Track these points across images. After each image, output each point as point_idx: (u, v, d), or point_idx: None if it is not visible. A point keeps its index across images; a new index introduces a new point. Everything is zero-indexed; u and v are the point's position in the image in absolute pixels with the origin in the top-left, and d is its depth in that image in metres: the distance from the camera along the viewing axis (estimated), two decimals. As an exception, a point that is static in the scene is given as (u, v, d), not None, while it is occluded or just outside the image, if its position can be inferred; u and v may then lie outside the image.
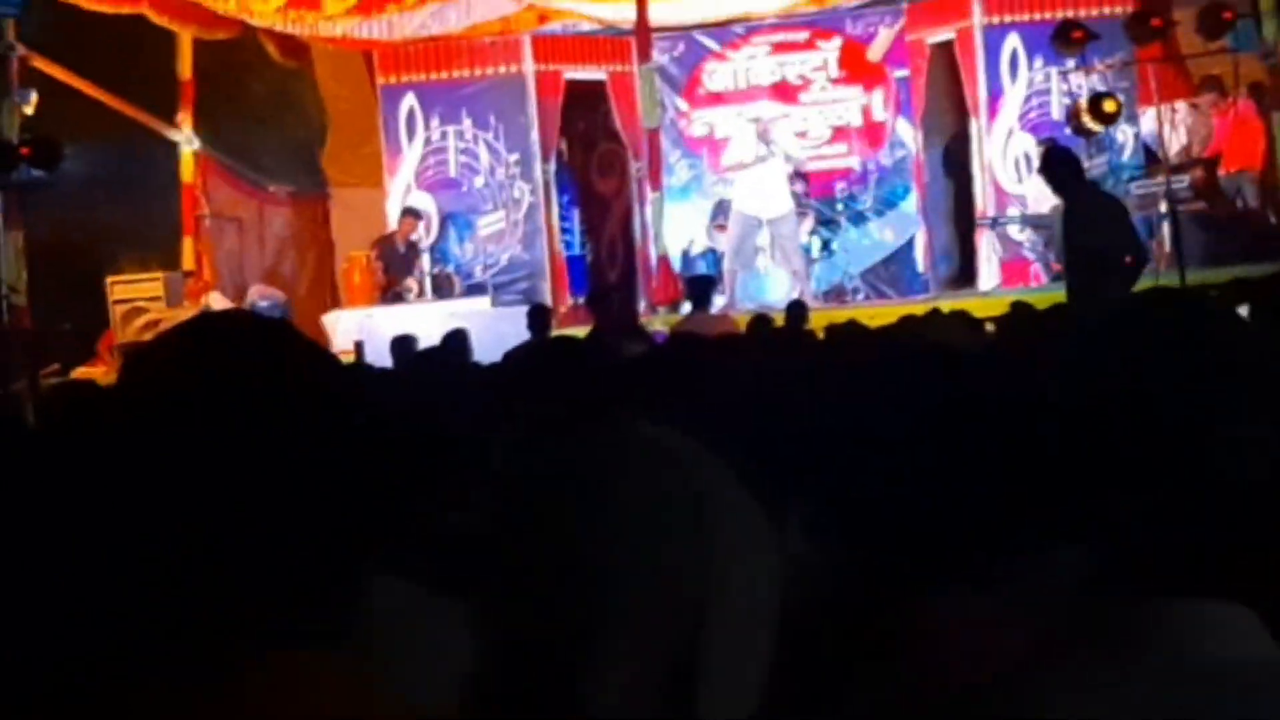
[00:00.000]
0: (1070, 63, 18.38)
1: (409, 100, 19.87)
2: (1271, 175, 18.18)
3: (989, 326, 8.29)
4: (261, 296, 19.02)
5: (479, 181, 19.79)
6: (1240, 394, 1.58)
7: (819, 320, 13.55)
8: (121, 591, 1.49)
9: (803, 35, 20.70)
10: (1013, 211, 18.62)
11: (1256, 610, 1.56)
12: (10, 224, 16.35)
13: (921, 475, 2.00)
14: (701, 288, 16.55)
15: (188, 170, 19.22)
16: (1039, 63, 18.76)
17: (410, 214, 19.20)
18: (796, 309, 14.73)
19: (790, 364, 2.31)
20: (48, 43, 16.96)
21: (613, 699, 1.52)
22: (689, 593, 1.54)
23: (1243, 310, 5.48)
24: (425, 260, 19.14)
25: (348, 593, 1.52)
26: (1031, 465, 1.79)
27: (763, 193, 18.96)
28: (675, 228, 19.77)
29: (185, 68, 19.12)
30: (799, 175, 19.55)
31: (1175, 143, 18.79)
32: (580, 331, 13.39)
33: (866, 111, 20.61)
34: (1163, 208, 16.65)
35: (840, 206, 20.23)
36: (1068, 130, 17.82)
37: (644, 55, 18.30)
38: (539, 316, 14.48)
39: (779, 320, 13.76)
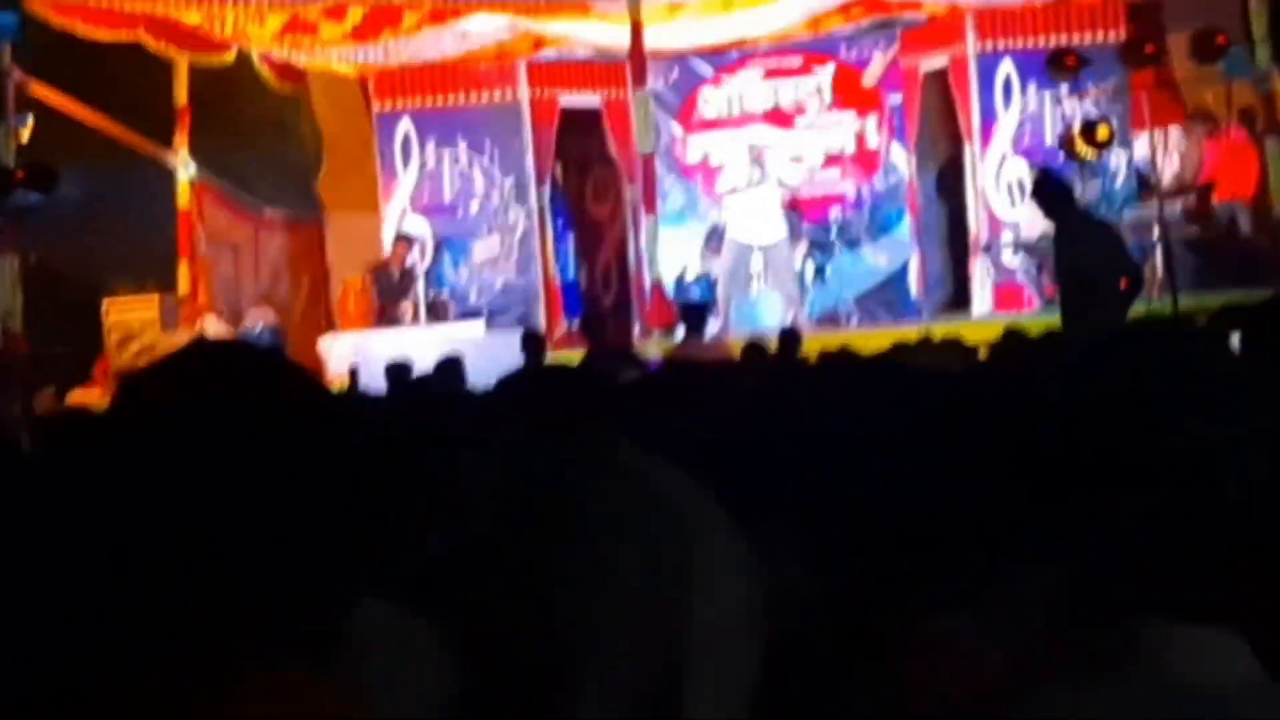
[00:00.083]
0: (1063, 88, 18.43)
1: (404, 125, 19.90)
2: (1264, 201, 18.20)
3: (981, 352, 8.28)
4: (258, 320, 19.02)
5: (474, 206, 19.81)
6: (1225, 422, 1.59)
7: (812, 346, 13.53)
8: (109, 613, 1.50)
9: (797, 61, 20.71)
10: (1006, 237, 18.64)
11: (1243, 633, 1.56)
12: (6, 248, 16.36)
13: (911, 501, 2.01)
14: (695, 313, 16.55)
15: (183, 195, 19.22)
16: (1032, 88, 18.80)
17: (403, 240, 19.22)
18: (789, 335, 14.73)
19: (782, 389, 2.32)
20: (44, 68, 16.98)
21: (593, 720, 1.53)
22: (668, 619, 1.55)
23: (1235, 337, 5.48)
24: (420, 285, 19.15)
25: (332, 615, 1.54)
26: (1019, 489, 1.80)
27: (757, 218, 18.99)
28: (669, 253, 19.78)
29: (181, 93, 19.13)
30: (793, 201, 19.57)
31: (1168, 168, 18.81)
32: (574, 357, 13.38)
33: (860, 137, 20.62)
34: (1155, 233, 16.67)
35: (834, 232, 20.23)
36: (1061, 156, 17.86)
37: (639, 81, 18.30)
38: (533, 342, 14.50)
39: (773, 346, 13.75)
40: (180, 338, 16.21)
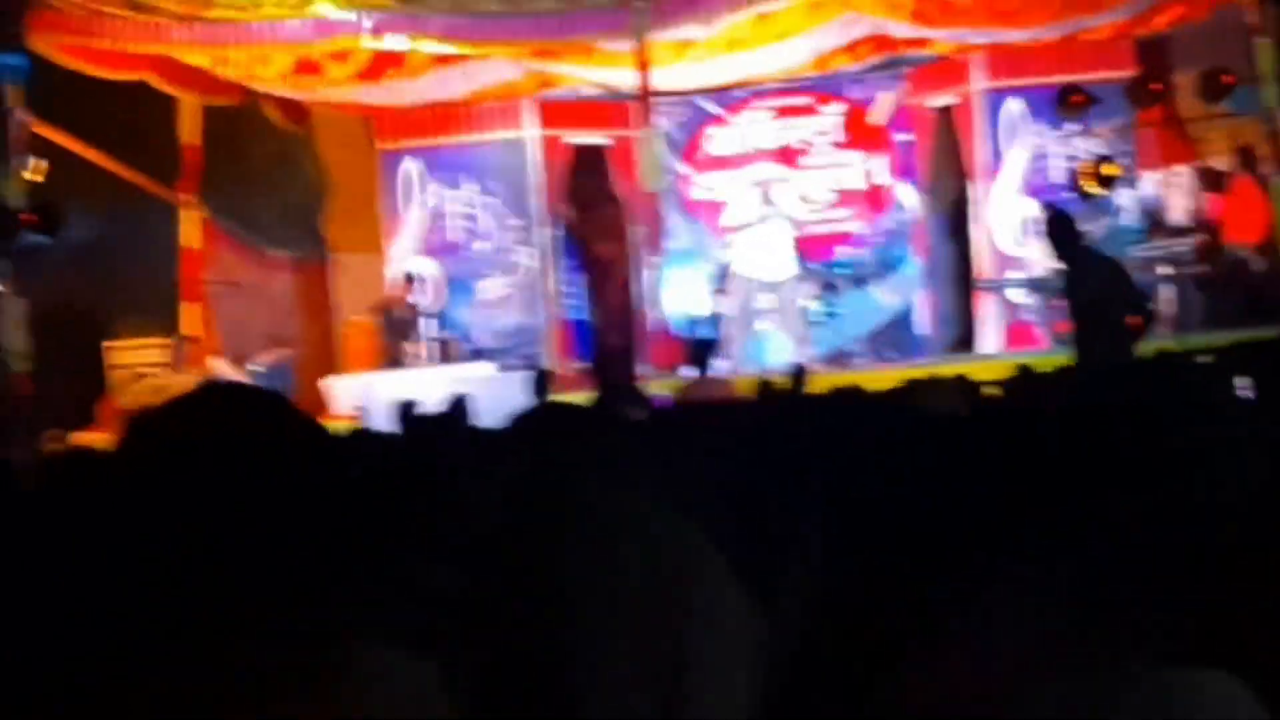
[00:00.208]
0: (1071, 127, 18.47)
1: (409, 165, 19.96)
2: (1273, 242, 18.14)
3: (991, 390, 8.27)
4: (264, 361, 19.01)
5: (481, 246, 19.84)
6: (1227, 460, 1.58)
7: (820, 384, 13.53)
8: (112, 645, 1.51)
9: (805, 100, 20.77)
10: (1014, 275, 18.65)
11: (1245, 678, 1.55)
12: (12, 289, 16.38)
13: (917, 540, 2.00)
14: (702, 352, 16.58)
15: (189, 235, 19.25)
16: (1040, 127, 18.84)
17: (405, 279, 19.26)
18: (797, 373, 14.72)
19: (788, 429, 2.31)
20: (51, 108, 17.02)
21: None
22: (662, 663, 1.54)
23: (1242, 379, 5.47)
24: (426, 325, 19.15)
25: (331, 652, 1.53)
26: (1021, 523, 1.79)
27: (764, 256, 19.01)
28: (677, 291, 19.79)
29: (187, 133, 19.18)
30: (801, 239, 19.58)
31: (1176, 206, 18.83)
32: (582, 396, 13.38)
33: (869, 176, 20.66)
34: (1161, 271, 16.67)
35: (842, 270, 20.25)
36: (1069, 194, 17.88)
37: (646, 120, 18.35)
38: (540, 381, 14.50)
39: (780, 384, 13.74)
40: (186, 379, 16.22)
